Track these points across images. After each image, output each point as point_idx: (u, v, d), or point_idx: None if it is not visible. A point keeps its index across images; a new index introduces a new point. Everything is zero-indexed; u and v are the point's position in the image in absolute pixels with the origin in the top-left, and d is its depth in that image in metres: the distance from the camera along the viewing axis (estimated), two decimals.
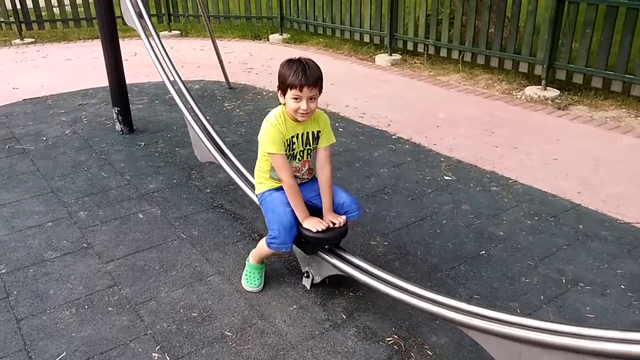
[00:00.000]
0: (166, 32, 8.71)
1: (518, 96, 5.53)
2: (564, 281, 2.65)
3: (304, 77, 2.29)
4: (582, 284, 2.62)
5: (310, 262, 2.60)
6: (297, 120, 2.42)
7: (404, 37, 6.94)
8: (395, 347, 2.26)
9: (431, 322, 2.36)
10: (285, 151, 2.44)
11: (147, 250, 2.93)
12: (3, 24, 8.51)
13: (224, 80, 5.96)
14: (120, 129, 4.59)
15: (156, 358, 2.19)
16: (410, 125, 4.77)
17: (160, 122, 4.88)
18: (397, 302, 2.21)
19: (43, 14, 8.57)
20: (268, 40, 8.43)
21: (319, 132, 2.52)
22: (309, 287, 2.61)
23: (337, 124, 4.81)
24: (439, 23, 6.59)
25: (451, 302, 2.03)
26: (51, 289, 2.60)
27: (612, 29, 4.98)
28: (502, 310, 1.95)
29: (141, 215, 3.29)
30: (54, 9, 8.61)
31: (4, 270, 2.76)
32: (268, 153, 2.44)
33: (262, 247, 2.56)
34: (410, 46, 6.93)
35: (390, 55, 7.06)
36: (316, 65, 2.37)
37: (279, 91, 2.40)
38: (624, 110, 5.00)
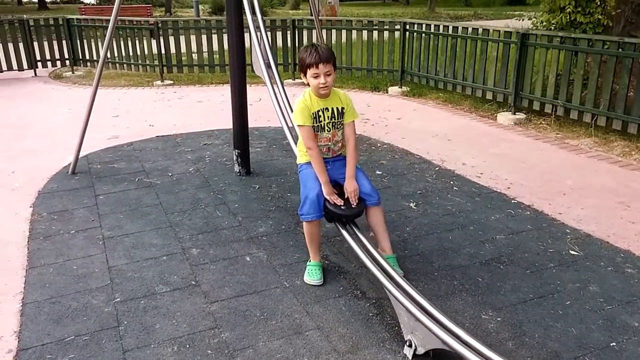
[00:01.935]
0: (290, 80, 9.13)
1: None
2: None
3: (317, 55, 2.81)
4: None
5: (414, 330, 2.44)
6: (320, 96, 2.94)
7: (530, 96, 6.62)
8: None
9: None
10: (314, 123, 2.95)
11: (250, 295, 2.95)
12: (148, 67, 9.48)
13: None
14: (238, 171, 4.79)
15: None
16: (533, 190, 4.45)
17: (276, 167, 5.03)
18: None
19: (183, 58, 9.41)
20: (387, 93, 8.50)
21: (342, 108, 3.03)
22: (410, 358, 2.45)
23: (451, 182, 4.62)
24: (569, 84, 6.21)
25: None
26: (157, 324, 2.69)
27: None
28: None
29: (248, 259, 3.35)
30: (193, 54, 9.43)
31: (118, 299, 2.92)
32: (297, 125, 2.97)
33: (304, 227, 3.05)
34: (536, 106, 6.59)
35: (514, 114, 6.76)
36: (327, 46, 2.95)
37: (302, 74, 2.95)
38: None
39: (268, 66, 4.56)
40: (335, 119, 3.02)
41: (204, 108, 7.48)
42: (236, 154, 4.78)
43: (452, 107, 7.54)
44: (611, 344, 2.54)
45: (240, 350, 2.50)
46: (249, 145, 4.86)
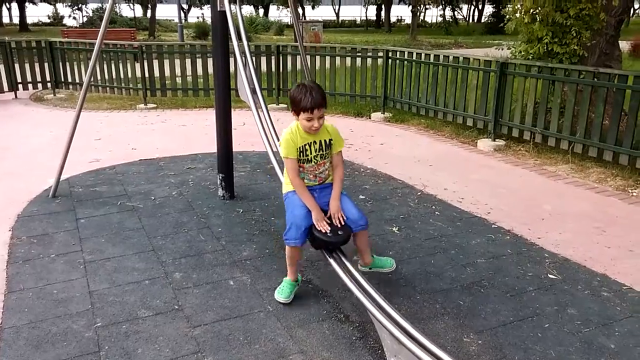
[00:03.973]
0: (274, 105, 9.21)
1: (634, 194, 5.11)
2: None
3: (311, 100, 2.82)
4: None
5: (397, 354, 2.46)
6: (308, 132, 2.95)
7: (509, 123, 6.79)
8: None
9: None
10: (300, 156, 2.99)
11: (233, 319, 2.94)
12: (131, 90, 9.49)
13: None
14: (222, 195, 4.81)
15: None
16: (512, 215, 4.54)
17: (260, 191, 5.05)
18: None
19: (167, 82, 9.45)
20: (370, 118, 8.62)
21: (330, 140, 3.05)
22: None
23: (433, 207, 4.69)
24: (547, 111, 6.39)
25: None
26: (139, 348, 2.67)
27: None
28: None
29: (232, 282, 3.34)
30: (177, 78, 9.48)
31: (99, 324, 2.88)
32: (282, 156, 3.02)
33: (286, 250, 3.05)
34: (515, 133, 6.75)
35: (494, 140, 6.90)
36: (318, 86, 2.91)
37: (292, 111, 2.94)
38: None
39: (253, 91, 4.62)
40: (322, 151, 3.05)
41: (187, 132, 7.49)
42: (220, 177, 4.80)
43: (433, 133, 7.67)
44: None
45: None
46: (233, 169, 4.88)
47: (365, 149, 6.71)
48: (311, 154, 3.01)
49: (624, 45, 12.24)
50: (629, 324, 2.94)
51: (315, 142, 3.01)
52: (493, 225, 4.32)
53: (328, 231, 2.90)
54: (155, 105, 9.29)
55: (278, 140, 4.40)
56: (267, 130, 4.35)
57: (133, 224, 4.20)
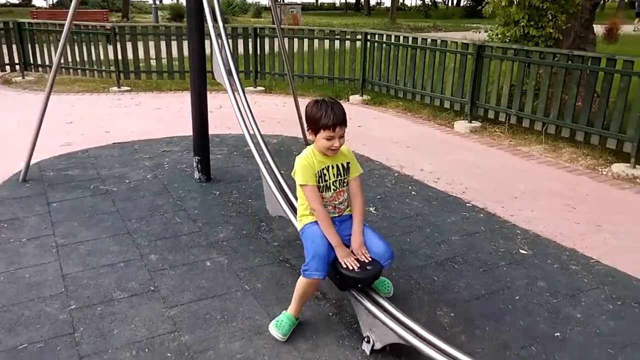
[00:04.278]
0: (252, 88, 9.15)
1: (604, 173, 5.24)
2: None
3: (334, 117, 2.53)
4: None
5: (372, 327, 2.50)
6: (326, 155, 2.66)
7: (485, 105, 6.86)
8: None
9: None
10: (319, 182, 2.66)
11: (210, 299, 2.95)
12: (104, 73, 9.30)
13: (301, 136, 6.10)
14: (198, 177, 4.78)
15: None
16: (486, 194, 4.61)
17: (237, 173, 5.04)
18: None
19: (141, 65, 9.29)
20: (348, 101, 8.62)
21: (348, 163, 2.76)
22: (368, 353, 2.51)
23: (410, 187, 4.74)
24: (523, 93, 6.47)
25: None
26: (115, 329, 2.66)
27: None
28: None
29: (209, 263, 3.35)
30: (152, 61, 9.33)
31: (73, 306, 2.86)
32: (300, 185, 2.66)
33: (299, 283, 2.64)
34: (491, 114, 6.83)
35: (470, 122, 6.98)
36: (339, 103, 2.62)
37: (309, 130, 2.64)
38: None
39: (229, 73, 4.58)
40: (341, 176, 2.73)
41: (162, 115, 7.41)
42: (196, 160, 4.77)
43: (411, 115, 7.72)
44: (555, 334, 2.68)
45: (200, 353, 2.50)
46: (209, 152, 4.85)
47: None
48: (330, 179, 2.69)
49: (599, 29, 12.41)
50: (594, 295, 3.04)
51: (332, 165, 2.70)
52: (467, 204, 4.39)
53: (356, 267, 2.53)
54: (129, 88, 9.14)
55: (255, 123, 4.38)
56: (244, 113, 4.32)
57: (107, 207, 4.16)
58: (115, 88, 9.05)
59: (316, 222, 2.66)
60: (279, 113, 7.62)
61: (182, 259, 3.39)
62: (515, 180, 4.99)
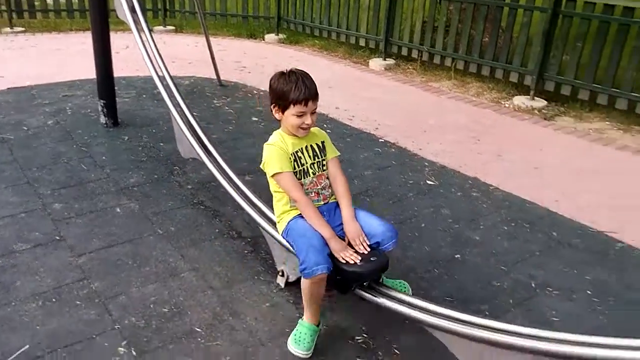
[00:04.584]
0: (161, 27, 8.66)
1: (506, 105, 5.53)
2: (533, 286, 2.68)
3: (306, 90, 2.20)
4: (551, 289, 2.66)
5: (286, 261, 2.58)
6: (296, 136, 2.31)
7: (399, 42, 6.94)
8: (363, 345, 2.25)
9: (400, 323, 2.33)
10: (294, 167, 2.29)
11: (121, 245, 2.89)
12: None
13: (215, 77, 5.92)
14: (104, 122, 4.55)
15: (122, 352, 2.16)
16: (398, 129, 4.76)
17: (147, 117, 4.84)
18: (368, 301, 2.18)
19: (36, 3, 8.49)
20: (263, 40, 8.41)
21: (322, 142, 2.42)
22: (283, 286, 2.59)
23: (325, 126, 4.78)
24: (434, 30, 6.59)
25: (420, 303, 2.06)
26: (18, 281, 2.56)
27: (603, 43, 5.02)
28: (468, 312, 1.96)
29: (118, 210, 3.25)
30: None
31: None
32: (274, 175, 2.26)
33: (303, 287, 2.21)
34: (404, 51, 6.93)
35: (385, 59, 7.06)
36: (308, 74, 2.29)
37: (275, 107, 2.29)
38: (607, 122, 5.02)
39: (132, 10, 4.30)
40: (319, 157, 2.37)
41: (62, 57, 6.88)
42: (101, 104, 4.52)
43: (327, 54, 7.68)
44: (456, 256, 2.91)
45: (112, 298, 2.47)
46: (115, 95, 4.60)
47: (259, 71, 6.59)
48: (306, 162, 2.33)
49: None
50: (492, 218, 3.29)
51: (307, 146, 2.35)
52: (380, 140, 4.51)
53: (358, 261, 2.14)
54: (23, 29, 8.35)
55: (164, 63, 4.18)
56: (151, 54, 4.11)
57: (4, 156, 3.88)
58: (8, 29, 8.23)
59: (299, 215, 2.30)
60: (190, 54, 7.32)
61: (90, 206, 3.27)
62: (426, 115, 5.17)
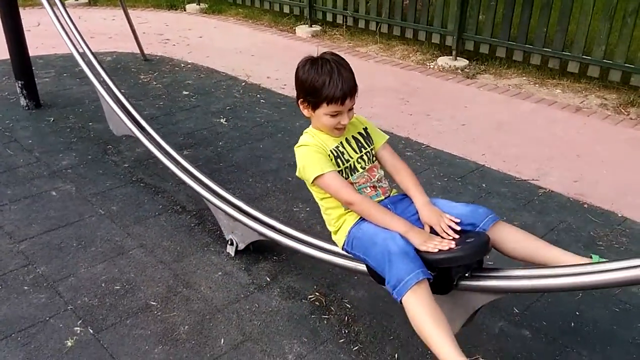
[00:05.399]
0: (72, 1, 8.20)
1: (431, 66, 5.76)
2: None
3: (343, 84, 1.81)
4: None
5: (234, 230, 2.63)
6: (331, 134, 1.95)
7: (323, 8, 6.97)
8: (316, 303, 2.37)
9: (350, 279, 2.48)
10: (338, 166, 1.91)
11: (62, 228, 2.83)
12: None
13: (138, 52, 5.74)
14: (25, 104, 4.33)
15: (78, 332, 2.16)
16: None
17: (70, 97, 4.65)
18: (318, 261, 2.30)
19: None
20: (185, 10, 8.17)
21: (365, 129, 2.04)
22: (233, 254, 2.65)
23: (258, 96, 4.80)
24: None
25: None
26: None
27: (514, 2, 5.30)
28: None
29: (54, 193, 3.16)
30: None
31: None
32: (315, 179, 1.87)
33: (409, 313, 1.64)
34: (329, 17, 6.98)
35: (311, 26, 7.08)
36: (344, 60, 1.91)
37: (304, 103, 1.93)
38: (524, 78, 5.36)
39: None
40: (365, 148, 1.99)
41: None
42: (19, 85, 4.29)
43: (252, 23, 7.58)
44: None
45: (60, 281, 2.44)
46: (33, 76, 4.38)
47: (184, 43, 6.44)
48: (352, 157, 1.95)
49: None
50: (426, 175, 3.48)
51: (347, 139, 1.98)
52: None
53: (452, 246, 1.72)
54: None
55: (83, 39, 4.01)
56: (68, 29, 3.93)
57: None
58: None
59: (361, 219, 1.90)
60: (109, 28, 7.01)
61: (23, 191, 3.16)
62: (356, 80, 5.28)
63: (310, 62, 1.89)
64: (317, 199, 2.04)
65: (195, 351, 2.09)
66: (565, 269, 1.60)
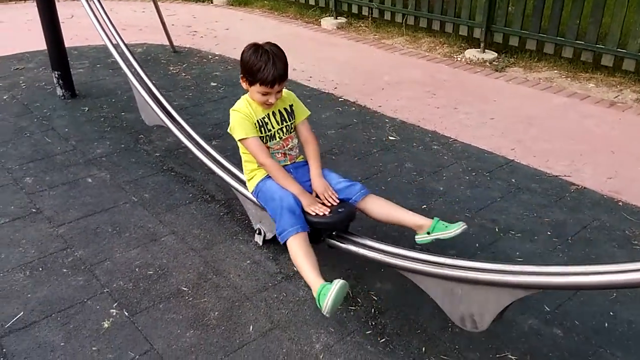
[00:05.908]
0: None
1: (458, 59, 5.73)
2: (497, 230, 2.87)
3: (275, 71, 2.26)
4: (513, 232, 2.86)
5: (261, 219, 2.70)
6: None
7: (349, 0, 6.98)
8: None
9: (377, 271, 2.52)
10: (260, 133, 2.41)
11: (98, 214, 2.94)
12: None
13: (167, 44, 5.84)
14: (61, 94, 4.47)
15: (114, 314, 2.26)
16: (356, 88, 4.88)
17: (104, 87, 4.77)
18: (345, 253, 2.35)
19: None
20: (212, 2, 8.25)
21: (291, 106, 2.53)
22: (261, 244, 2.72)
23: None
24: None
25: (393, 250, 2.21)
26: (2, 254, 2.60)
27: None
28: (435, 254, 2.11)
29: (90, 180, 3.28)
30: None
31: None
32: (240, 140, 2.41)
33: (290, 251, 2.26)
34: (355, 9, 6.98)
35: (336, 18, 7.09)
36: (281, 52, 2.35)
37: (243, 79, 2.38)
38: (555, 71, 5.30)
39: None
40: (287, 122, 2.50)
41: (6, 29, 6.59)
42: (56, 75, 4.43)
43: (278, 15, 7.63)
44: (423, 206, 3.08)
45: (97, 264, 2.55)
46: (69, 66, 4.51)
47: (211, 35, 6.52)
48: (274, 127, 2.45)
49: None
50: (453, 169, 3.49)
51: (274, 112, 2.46)
52: (340, 99, 4.63)
53: (327, 212, 2.32)
54: None
55: (117, 31, 4.11)
56: (102, 21, 4.04)
57: None
58: None
59: (268, 176, 2.47)
60: (139, 20, 7.13)
61: (61, 178, 3.28)
62: (382, 73, 5.30)
63: (254, 49, 2.33)
64: (241, 151, 2.53)
65: (225, 337, 2.16)
66: (596, 267, 1.60)
